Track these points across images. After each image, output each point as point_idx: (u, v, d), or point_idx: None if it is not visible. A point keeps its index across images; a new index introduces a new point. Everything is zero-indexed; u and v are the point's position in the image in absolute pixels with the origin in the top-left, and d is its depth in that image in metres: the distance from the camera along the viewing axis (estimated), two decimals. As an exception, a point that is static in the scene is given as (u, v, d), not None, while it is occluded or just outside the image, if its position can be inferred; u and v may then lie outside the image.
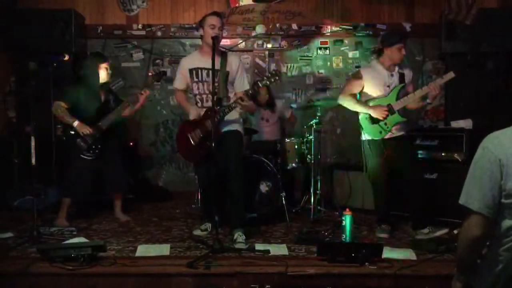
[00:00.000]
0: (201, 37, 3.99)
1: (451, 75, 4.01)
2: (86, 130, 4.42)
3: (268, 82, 3.81)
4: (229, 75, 3.98)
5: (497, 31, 5.50)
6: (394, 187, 4.21)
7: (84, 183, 4.56)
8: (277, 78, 3.80)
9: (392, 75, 4.17)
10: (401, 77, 4.18)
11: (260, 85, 3.82)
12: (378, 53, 4.26)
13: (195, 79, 4.00)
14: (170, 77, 6.25)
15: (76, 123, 4.42)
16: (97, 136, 4.46)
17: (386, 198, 4.21)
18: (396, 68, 4.19)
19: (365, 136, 4.19)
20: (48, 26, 5.66)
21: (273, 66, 6.35)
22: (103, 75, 4.58)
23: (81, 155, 4.46)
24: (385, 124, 4.07)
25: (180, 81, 4.13)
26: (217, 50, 3.89)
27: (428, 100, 4.07)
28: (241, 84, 4.01)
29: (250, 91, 3.85)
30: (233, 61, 4.01)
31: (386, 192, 4.18)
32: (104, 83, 4.64)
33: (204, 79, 3.97)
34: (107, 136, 4.54)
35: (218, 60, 3.88)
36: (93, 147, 4.47)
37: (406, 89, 4.18)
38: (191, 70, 4.00)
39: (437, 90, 3.99)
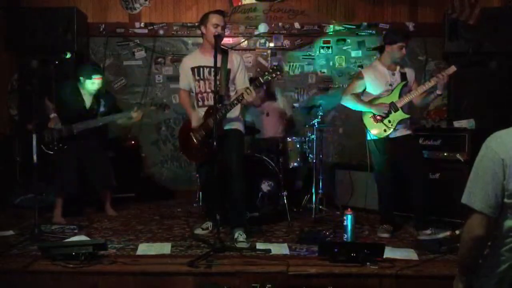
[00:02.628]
0: (202, 35, 3.98)
1: (453, 69, 3.98)
2: (55, 124, 4.48)
3: (269, 77, 3.79)
4: (230, 73, 3.97)
5: (500, 31, 5.48)
6: (399, 187, 4.20)
7: (71, 180, 4.59)
8: (278, 73, 3.77)
9: (393, 74, 4.17)
10: (403, 76, 4.17)
11: (262, 80, 3.80)
12: (380, 50, 4.27)
13: (197, 77, 3.99)
14: (172, 75, 6.27)
15: (51, 116, 4.51)
16: (63, 135, 4.50)
17: (390, 198, 4.20)
18: (398, 68, 4.19)
19: (370, 136, 4.18)
20: (51, 24, 5.66)
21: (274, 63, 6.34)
22: (92, 86, 4.63)
23: (42, 146, 4.45)
24: (389, 121, 4.06)
25: (184, 81, 4.12)
26: (218, 49, 3.89)
27: (438, 92, 4.04)
28: (242, 80, 4.00)
29: (257, 83, 3.83)
30: (234, 59, 4.00)
31: (390, 192, 4.18)
32: (95, 91, 4.69)
33: (206, 77, 3.96)
34: (87, 136, 4.61)
35: (219, 58, 3.88)
36: (55, 143, 4.49)
37: (409, 87, 4.18)
38: (193, 69, 4.00)
39: (443, 80, 3.96)
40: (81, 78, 4.62)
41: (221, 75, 3.89)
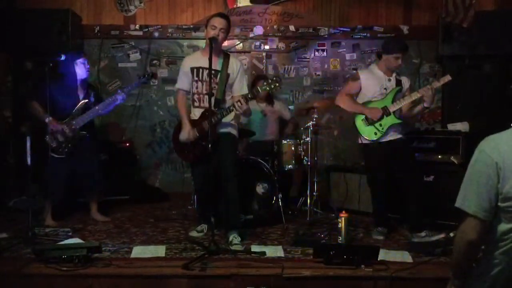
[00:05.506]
0: (206, 37, 3.99)
1: (447, 77, 4.03)
2: (55, 127, 4.37)
3: (268, 88, 3.85)
4: (229, 77, 3.97)
5: (494, 34, 5.50)
6: (392, 190, 4.21)
7: (60, 184, 4.50)
8: (277, 84, 3.86)
9: (389, 79, 4.21)
10: (398, 82, 4.21)
11: (260, 90, 3.86)
12: (378, 56, 4.30)
13: (195, 78, 3.99)
14: (167, 77, 6.27)
15: (48, 120, 4.36)
16: (69, 135, 4.42)
17: (383, 201, 4.21)
18: (394, 74, 4.23)
19: (362, 139, 4.19)
20: (45, 26, 5.62)
21: (270, 68, 6.34)
22: (80, 71, 4.53)
23: (51, 154, 4.39)
24: (380, 125, 4.08)
25: (183, 81, 4.10)
26: (219, 52, 3.91)
27: (424, 104, 4.09)
28: (240, 87, 4.01)
29: (249, 95, 3.87)
30: (234, 64, 4.00)
31: (384, 195, 4.19)
32: (83, 80, 4.60)
33: (204, 79, 3.96)
34: (82, 135, 4.50)
35: (219, 62, 3.91)
36: (63, 145, 4.41)
37: (402, 93, 4.21)
38: (192, 69, 4.00)
39: (429, 92, 4.00)
40: (70, 65, 4.50)
41: (220, 79, 3.90)
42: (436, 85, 4.04)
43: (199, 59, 4.00)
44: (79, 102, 4.53)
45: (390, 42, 4.35)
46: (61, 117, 4.44)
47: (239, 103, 3.79)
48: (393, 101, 4.11)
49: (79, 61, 4.53)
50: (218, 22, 3.85)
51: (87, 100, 4.56)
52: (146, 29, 6.29)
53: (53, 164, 4.43)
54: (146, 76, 4.82)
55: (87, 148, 4.58)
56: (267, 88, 3.86)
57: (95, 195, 4.77)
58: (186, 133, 3.95)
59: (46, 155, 4.42)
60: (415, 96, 4.09)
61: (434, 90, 4.03)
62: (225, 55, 4.04)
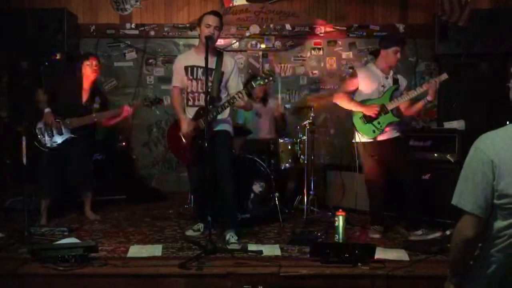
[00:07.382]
0: (199, 36, 3.98)
1: (444, 76, 4.04)
2: (50, 120, 4.41)
3: (261, 82, 3.85)
4: (223, 75, 3.97)
5: (490, 33, 5.52)
6: (389, 188, 4.22)
7: (51, 182, 4.51)
8: (270, 78, 3.86)
9: (387, 77, 4.21)
10: (395, 81, 4.22)
11: (254, 85, 3.84)
12: (375, 54, 4.31)
13: (190, 77, 3.98)
14: (164, 76, 6.26)
15: (46, 110, 4.42)
16: (59, 132, 4.44)
17: (380, 199, 4.22)
18: (391, 72, 4.23)
19: (359, 138, 4.19)
20: (41, 26, 5.62)
21: (266, 67, 6.34)
22: (87, 72, 4.57)
23: (35, 142, 4.41)
24: (378, 123, 4.09)
25: (177, 78, 4.09)
26: (213, 50, 3.90)
27: (428, 98, 4.09)
28: (235, 84, 4.01)
29: (244, 91, 3.86)
30: (228, 62, 4.00)
31: (380, 193, 4.19)
32: (90, 85, 4.62)
33: (199, 77, 3.95)
34: (74, 134, 4.52)
35: (213, 60, 3.90)
36: (49, 139, 4.43)
37: (400, 91, 4.21)
38: (186, 68, 3.99)
39: (434, 85, 4.01)
40: (79, 64, 4.56)
41: (214, 76, 3.90)
42: (440, 79, 4.04)
43: (192, 58, 4.00)
44: (80, 104, 4.56)
45: (388, 37, 4.41)
46: (59, 113, 4.47)
47: (240, 94, 3.78)
48: (391, 99, 4.12)
49: (86, 62, 4.56)
50: (212, 20, 3.84)
51: (88, 105, 4.60)
52: (142, 28, 6.28)
53: (42, 161, 4.45)
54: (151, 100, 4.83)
55: (78, 147, 4.58)
56: (261, 83, 3.86)
57: (88, 194, 4.79)
58: (186, 125, 3.94)
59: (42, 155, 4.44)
60: (412, 94, 4.10)
61: (438, 84, 4.04)
62: (219, 53, 4.03)
